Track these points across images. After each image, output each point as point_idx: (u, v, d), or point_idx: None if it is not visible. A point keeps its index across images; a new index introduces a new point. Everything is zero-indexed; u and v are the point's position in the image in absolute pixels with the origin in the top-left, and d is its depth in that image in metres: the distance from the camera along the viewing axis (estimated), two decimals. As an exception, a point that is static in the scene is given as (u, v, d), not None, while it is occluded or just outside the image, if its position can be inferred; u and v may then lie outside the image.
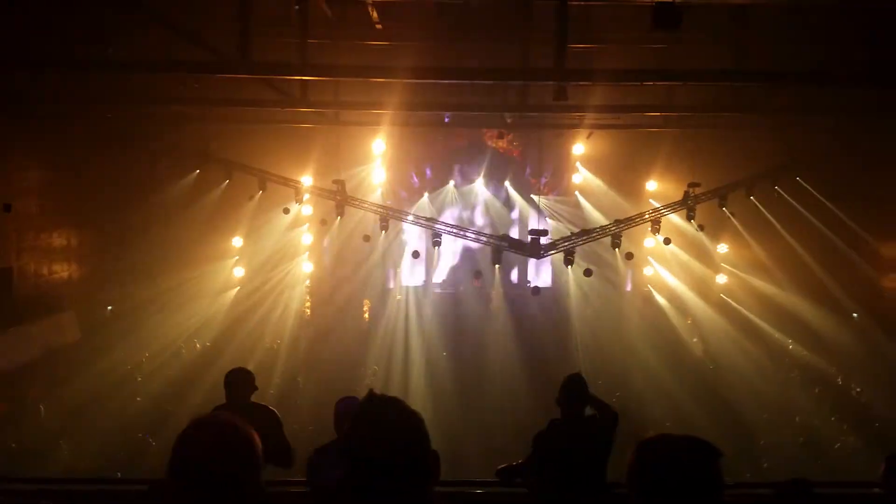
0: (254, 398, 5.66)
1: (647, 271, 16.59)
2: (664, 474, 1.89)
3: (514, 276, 17.57)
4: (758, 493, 5.23)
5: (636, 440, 1.99)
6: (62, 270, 12.45)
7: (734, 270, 15.90)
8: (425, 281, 17.12)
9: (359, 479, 1.75)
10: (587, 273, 13.92)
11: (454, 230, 13.66)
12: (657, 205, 14.04)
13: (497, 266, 13.46)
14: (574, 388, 5.02)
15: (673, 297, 16.26)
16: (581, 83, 9.52)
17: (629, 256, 14.38)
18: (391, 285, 17.00)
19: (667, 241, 14.00)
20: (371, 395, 1.88)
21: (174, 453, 1.87)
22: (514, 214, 17.16)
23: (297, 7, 8.83)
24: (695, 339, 15.18)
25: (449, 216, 16.57)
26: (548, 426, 4.97)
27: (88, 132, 11.93)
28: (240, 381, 5.55)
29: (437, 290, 16.98)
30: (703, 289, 16.06)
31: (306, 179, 14.06)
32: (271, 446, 5.49)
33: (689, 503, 1.86)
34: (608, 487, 4.76)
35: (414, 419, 1.82)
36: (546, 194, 17.11)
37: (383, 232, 13.82)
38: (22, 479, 5.71)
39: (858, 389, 12.39)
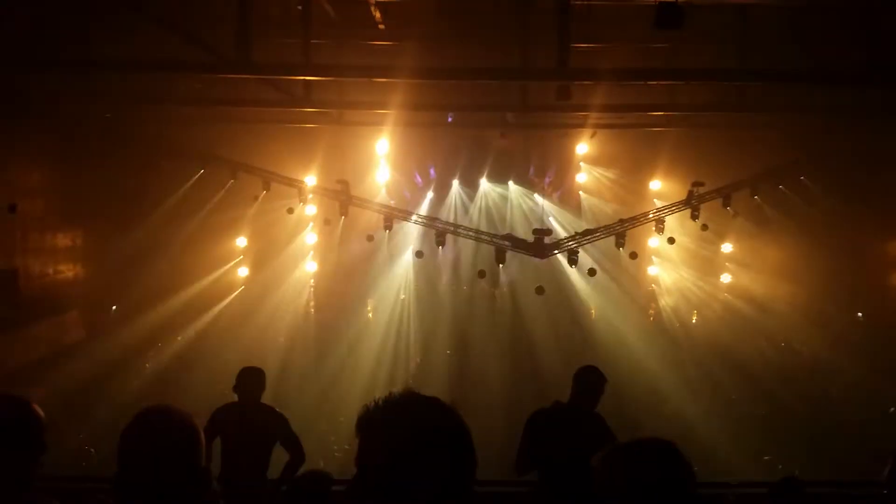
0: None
1: (652, 270, 16.57)
2: (638, 479, 1.92)
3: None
4: (751, 492, 5.24)
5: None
6: (67, 270, 12.48)
7: (739, 270, 15.86)
8: (428, 280, 17.10)
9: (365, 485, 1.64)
10: (591, 272, 13.90)
11: (458, 229, 13.66)
12: (661, 204, 14.01)
13: (501, 265, 13.46)
14: (589, 384, 4.97)
15: (677, 296, 16.22)
16: (584, 82, 9.51)
17: (633, 256, 14.34)
18: (395, 284, 16.98)
19: (671, 241, 13.97)
20: (408, 393, 1.72)
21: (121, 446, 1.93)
22: (518, 214, 17.12)
23: (299, 7, 8.84)
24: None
25: (452, 215, 16.55)
26: (551, 406, 4.94)
27: (91, 132, 11.95)
28: (250, 380, 5.59)
29: (441, 289, 16.97)
30: (707, 288, 16.02)
31: (310, 179, 14.06)
32: (283, 445, 5.58)
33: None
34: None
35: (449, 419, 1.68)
36: (550, 194, 17.07)
37: (387, 231, 13.82)
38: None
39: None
